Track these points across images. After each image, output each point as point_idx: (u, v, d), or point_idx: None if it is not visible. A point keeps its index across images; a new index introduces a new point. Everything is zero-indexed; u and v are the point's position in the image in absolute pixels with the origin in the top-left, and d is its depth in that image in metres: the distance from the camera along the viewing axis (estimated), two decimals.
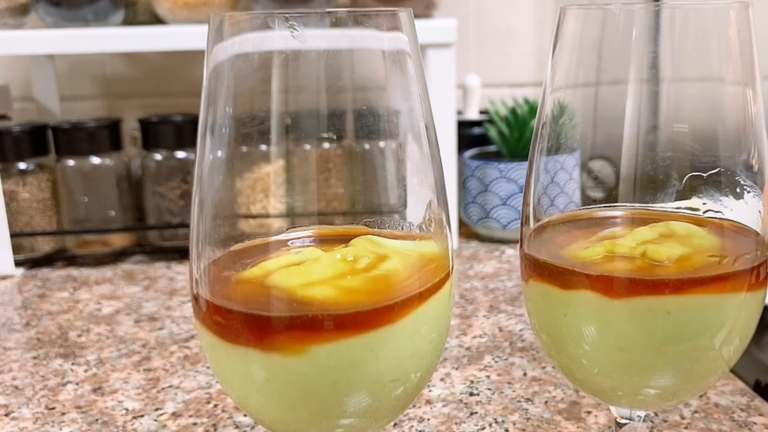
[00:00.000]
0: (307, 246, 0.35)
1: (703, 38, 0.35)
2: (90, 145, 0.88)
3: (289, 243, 0.36)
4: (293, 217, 0.35)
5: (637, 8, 0.34)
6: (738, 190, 0.36)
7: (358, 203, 0.36)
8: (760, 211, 0.36)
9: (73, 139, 0.88)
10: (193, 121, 0.88)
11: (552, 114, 0.37)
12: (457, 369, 0.60)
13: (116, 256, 0.91)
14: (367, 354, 0.31)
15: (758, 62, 0.35)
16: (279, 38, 0.31)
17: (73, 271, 0.87)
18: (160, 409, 0.55)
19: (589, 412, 0.53)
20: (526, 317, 0.61)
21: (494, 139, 0.94)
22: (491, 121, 0.96)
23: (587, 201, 0.40)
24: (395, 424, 0.52)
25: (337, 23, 0.31)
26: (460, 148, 0.92)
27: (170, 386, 0.59)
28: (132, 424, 0.53)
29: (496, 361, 0.61)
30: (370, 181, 0.35)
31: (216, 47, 0.32)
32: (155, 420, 0.53)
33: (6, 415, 0.55)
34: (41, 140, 0.89)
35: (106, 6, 0.85)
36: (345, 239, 0.34)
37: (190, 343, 0.67)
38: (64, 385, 0.59)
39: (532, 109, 0.91)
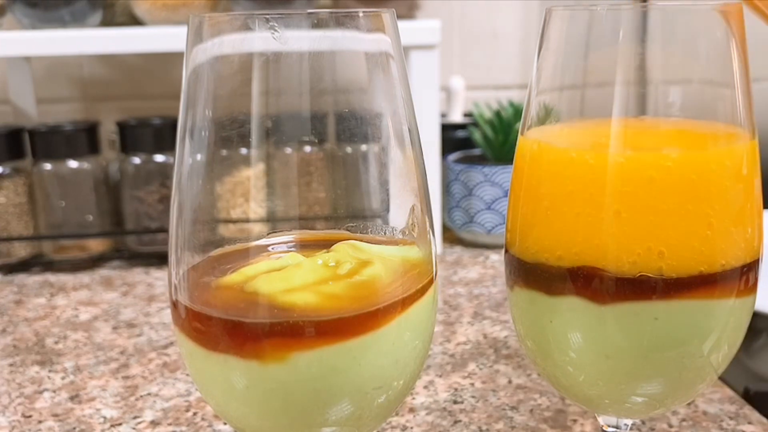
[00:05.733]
0: (288, 251, 0.35)
1: (691, 40, 0.34)
2: (67, 148, 0.86)
3: (269, 248, 0.35)
4: (274, 222, 0.35)
5: (624, 9, 0.33)
6: None
7: (340, 208, 0.36)
8: None
9: (49, 142, 0.86)
10: (172, 125, 0.87)
11: (537, 117, 0.37)
12: (440, 376, 0.59)
13: (94, 262, 0.90)
14: (349, 361, 0.31)
15: (748, 64, 0.34)
16: (259, 40, 0.30)
17: (50, 277, 0.86)
18: (139, 417, 0.54)
19: (575, 421, 0.52)
20: (511, 324, 0.60)
21: (479, 143, 0.93)
22: (476, 124, 0.95)
23: None
24: None
25: (318, 24, 0.31)
26: (443, 151, 0.92)
27: (149, 394, 0.58)
28: None
29: (480, 369, 0.60)
30: (352, 186, 0.35)
31: (195, 49, 0.32)
32: (133, 428, 0.53)
33: None
34: (17, 144, 0.87)
35: (84, 7, 0.84)
36: (327, 244, 0.34)
37: (169, 350, 0.66)
38: (41, 392, 0.58)
39: (517, 112, 0.91)
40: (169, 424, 0.53)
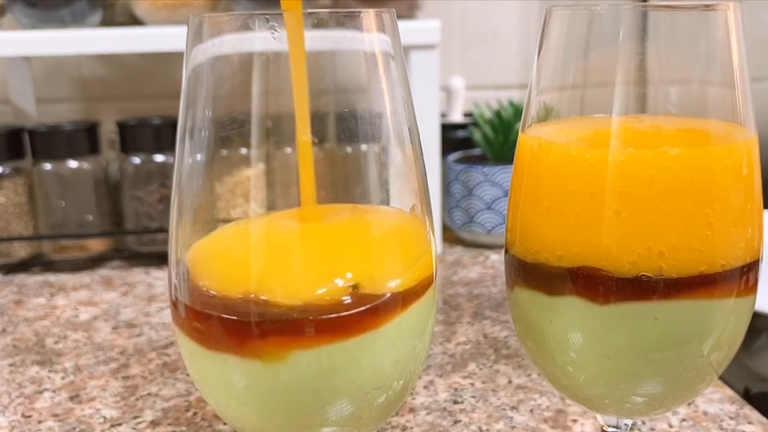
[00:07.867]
0: None
1: (691, 40, 0.34)
2: (67, 148, 0.86)
3: None
4: None
5: (624, 9, 0.33)
6: None
7: None
8: None
9: (49, 142, 0.86)
10: (172, 125, 0.87)
11: (537, 116, 0.37)
12: (440, 376, 0.59)
13: (94, 262, 0.90)
14: (349, 361, 0.31)
15: (747, 64, 0.34)
16: (259, 40, 0.30)
17: (50, 277, 0.86)
18: (139, 417, 0.54)
19: (575, 421, 0.52)
20: (511, 324, 0.60)
21: (479, 143, 0.93)
22: (476, 124, 0.95)
23: None
24: None
25: (318, 24, 0.31)
26: (443, 151, 0.92)
27: (149, 394, 0.58)
28: None
29: (480, 369, 0.60)
30: (352, 185, 0.35)
31: (195, 49, 0.31)
32: (133, 428, 0.53)
33: None
34: (17, 143, 0.87)
35: (84, 7, 0.84)
36: None
37: (169, 349, 0.66)
38: (41, 392, 0.58)
39: (518, 112, 0.91)
40: (169, 424, 0.53)
